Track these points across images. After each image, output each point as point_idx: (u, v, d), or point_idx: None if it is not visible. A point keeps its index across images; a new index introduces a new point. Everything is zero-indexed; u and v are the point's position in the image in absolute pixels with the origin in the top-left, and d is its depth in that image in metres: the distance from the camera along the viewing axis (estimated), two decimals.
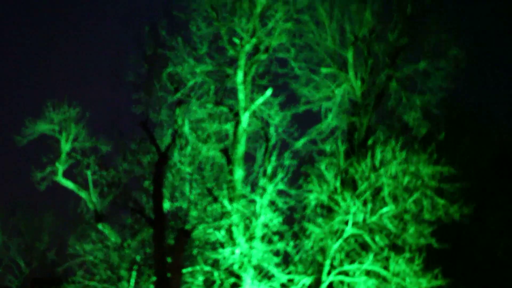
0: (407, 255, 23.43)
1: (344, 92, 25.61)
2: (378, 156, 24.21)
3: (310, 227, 24.06)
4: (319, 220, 24.25)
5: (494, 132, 26.67)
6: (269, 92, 24.71)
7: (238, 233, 23.74)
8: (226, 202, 23.91)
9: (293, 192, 24.47)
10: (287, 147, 25.10)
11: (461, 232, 25.37)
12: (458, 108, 26.77)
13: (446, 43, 25.40)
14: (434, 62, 25.53)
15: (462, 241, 25.95)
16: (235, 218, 23.74)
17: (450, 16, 25.63)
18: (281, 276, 23.48)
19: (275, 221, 23.79)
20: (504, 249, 26.26)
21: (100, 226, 25.07)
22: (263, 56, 24.78)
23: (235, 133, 24.85)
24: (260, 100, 24.71)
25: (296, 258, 24.05)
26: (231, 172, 24.54)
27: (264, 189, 24.06)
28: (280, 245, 23.73)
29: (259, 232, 23.83)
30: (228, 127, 25.03)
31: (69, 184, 25.26)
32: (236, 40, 24.53)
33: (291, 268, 23.84)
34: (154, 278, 23.69)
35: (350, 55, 25.32)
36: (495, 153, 26.60)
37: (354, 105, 25.88)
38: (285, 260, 24.04)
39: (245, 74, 24.67)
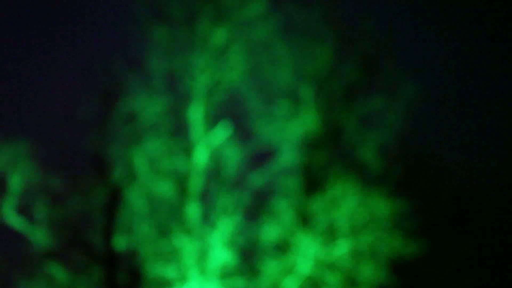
0: None
1: (300, 128, 25.43)
2: (334, 192, 24.09)
3: (265, 264, 23.82)
4: (274, 257, 24.01)
5: (451, 171, 26.74)
6: (224, 127, 24.48)
7: (190, 270, 23.36)
8: (179, 239, 23.53)
9: (248, 229, 24.20)
10: (242, 183, 24.81)
11: (417, 269, 25.27)
12: (414, 147, 26.80)
13: (402, 78, 25.49)
14: (390, 100, 25.54)
15: (418, 278, 25.84)
16: (187, 255, 23.35)
17: (408, 55, 25.77)
18: None
19: (229, 258, 23.48)
20: (464, 282, 26.23)
21: (48, 265, 24.55)
22: (219, 91, 24.60)
23: (189, 169, 24.54)
24: (216, 135, 24.49)
25: None
26: (185, 209, 24.19)
27: (218, 226, 23.75)
28: (233, 283, 23.42)
29: (212, 269, 23.48)
30: (183, 162, 24.68)
31: (16, 221, 24.72)
32: (192, 75, 24.38)
33: None
34: None
35: (306, 91, 25.22)
36: (452, 193, 26.68)
37: (309, 141, 25.71)
38: None
39: (201, 109, 24.48)
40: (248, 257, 24.44)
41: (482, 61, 25.92)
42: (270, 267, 23.85)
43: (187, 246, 23.45)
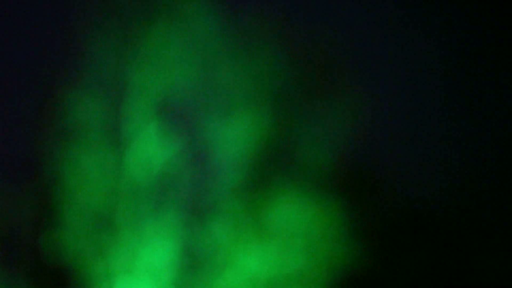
0: None
1: (244, 130, 24.44)
2: (280, 200, 23.02)
3: (202, 280, 22.45)
4: (213, 273, 22.62)
5: (403, 181, 25.75)
6: (159, 125, 23.41)
7: (119, 268, 21.93)
8: (109, 237, 22.20)
9: (190, 230, 22.81)
10: (179, 184, 23.49)
11: (370, 281, 23.95)
12: (364, 154, 25.84)
13: (352, 86, 24.79)
14: (340, 105, 24.77)
15: None
16: (117, 253, 22.00)
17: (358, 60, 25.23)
18: None
19: (160, 257, 22.06)
20: None
21: None
22: (158, 88, 23.62)
23: (124, 167, 23.33)
24: (150, 133, 23.36)
25: None
26: (117, 207, 22.84)
27: (150, 224, 22.40)
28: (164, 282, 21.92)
29: (142, 267, 22.03)
30: (116, 160, 23.46)
31: None
32: (129, 72, 23.47)
33: None
34: None
35: (251, 91, 24.34)
36: (403, 201, 25.64)
37: (255, 151, 24.67)
38: None
39: (137, 106, 23.46)
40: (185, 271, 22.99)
41: (427, 62, 25.39)
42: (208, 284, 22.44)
43: (116, 245, 22.09)
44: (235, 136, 24.03)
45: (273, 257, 22.37)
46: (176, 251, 22.39)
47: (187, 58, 23.70)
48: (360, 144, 25.00)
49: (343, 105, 24.49)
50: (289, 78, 24.64)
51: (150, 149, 23.47)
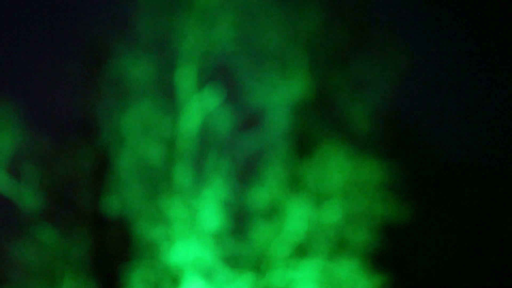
0: (355, 258, 23.19)
1: (290, 92, 25.20)
2: (325, 157, 23.96)
3: (254, 228, 23.75)
4: (263, 222, 23.93)
5: (443, 136, 26.70)
6: (213, 90, 24.27)
7: (179, 231, 23.32)
8: (167, 200, 23.47)
9: (238, 192, 24.08)
10: (232, 147, 24.64)
11: (408, 235, 25.26)
12: (406, 111, 26.69)
13: (394, 46, 25.30)
14: (382, 64, 25.36)
15: (409, 244, 25.84)
16: (178, 215, 23.31)
17: (400, 19, 25.58)
18: (222, 276, 23.09)
19: (218, 220, 23.42)
20: (450, 252, 26.27)
21: (35, 224, 24.45)
22: (208, 51, 24.34)
23: (178, 132, 24.38)
24: (205, 98, 24.27)
25: (240, 259, 23.69)
26: (173, 170, 24.07)
27: (206, 188, 23.65)
28: (222, 245, 23.36)
29: (201, 231, 23.41)
30: (172, 125, 24.48)
31: (4, 184, 24.60)
32: (181, 35, 24.13)
33: (234, 268, 23.44)
34: (91, 278, 23.20)
35: (297, 55, 24.98)
36: (443, 158, 26.68)
37: (301, 105, 25.50)
38: (228, 260, 23.65)
39: (189, 72, 24.26)
40: (238, 221, 24.38)
41: (478, 28, 25.75)
42: (260, 231, 23.79)
43: (176, 209, 23.39)
44: (281, 99, 24.96)
45: (311, 212, 23.46)
46: (227, 214, 23.70)
47: (236, 22, 24.28)
48: (398, 100, 25.85)
49: (381, 61, 25.21)
50: (329, 36, 25.26)
51: (202, 114, 24.49)
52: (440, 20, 25.62)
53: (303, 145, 25.17)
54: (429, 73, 25.57)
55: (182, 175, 23.93)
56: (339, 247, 23.61)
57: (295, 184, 24.42)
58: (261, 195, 24.11)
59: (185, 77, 24.14)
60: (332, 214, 23.51)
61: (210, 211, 23.37)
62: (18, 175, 24.69)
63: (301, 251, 23.71)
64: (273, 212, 24.24)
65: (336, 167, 23.85)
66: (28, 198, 24.60)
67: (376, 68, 25.24)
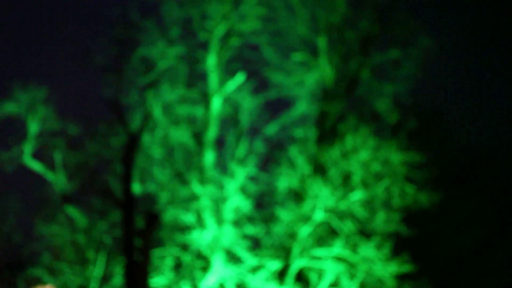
0: (376, 241, 23.74)
1: (315, 79, 25.68)
2: (348, 142, 24.39)
3: (280, 212, 24.21)
4: (289, 205, 24.40)
5: (463, 124, 27.03)
6: (240, 77, 24.72)
7: (208, 217, 23.75)
8: (196, 186, 23.89)
9: (263, 177, 24.57)
10: (257, 133, 25.20)
11: (428, 219, 25.68)
12: (428, 98, 27.06)
13: (417, 31, 25.60)
14: (405, 51, 25.70)
15: (429, 228, 26.27)
16: (205, 201, 23.74)
17: (422, 6, 25.86)
18: (250, 261, 23.55)
19: (245, 205, 23.84)
20: (470, 237, 26.63)
21: (67, 208, 24.95)
22: (235, 41, 24.77)
23: (206, 117, 24.83)
24: (232, 84, 24.71)
25: (265, 242, 24.18)
26: (201, 156, 24.54)
27: (234, 174, 24.10)
28: (249, 230, 23.84)
29: (228, 216, 23.88)
30: (199, 111, 24.98)
31: (36, 166, 25.06)
32: (208, 24, 24.54)
33: (260, 252, 23.94)
34: (122, 261, 23.62)
35: (322, 42, 25.43)
36: (462, 143, 26.96)
37: (325, 92, 25.97)
38: (254, 245, 24.15)
39: (217, 59, 24.67)
40: (263, 205, 24.85)
41: (498, 14, 25.94)
42: (285, 215, 24.18)
43: (203, 193, 23.81)
44: (306, 88, 25.45)
45: (335, 196, 23.83)
46: (254, 199, 24.16)
47: (263, 12, 24.71)
48: (421, 89, 26.25)
49: (405, 51, 25.58)
50: (353, 26, 25.63)
51: (229, 102, 24.97)
52: (465, 10, 25.81)
53: (327, 132, 25.65)
54: (452, 62, 25.78)
55: (211, 161, 24.42)
56: (362, 229, 24.02)
57: (318, 169, 24.89)
58: (285, 179, 24.58)
59: (213, 63, 24.56)
60: (354, 198, 23.90)
61: (238, 197, 23.80)
62: (50, 159, 25.19)
63: (326, 233, 24.12)
64: (298, 196, 24.72)
65: (360, 154, 24.24)
66: (61, 181, 25.06)
67: (399, 54, 25.60)
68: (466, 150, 26.62)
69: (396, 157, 24.27)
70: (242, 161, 24.57)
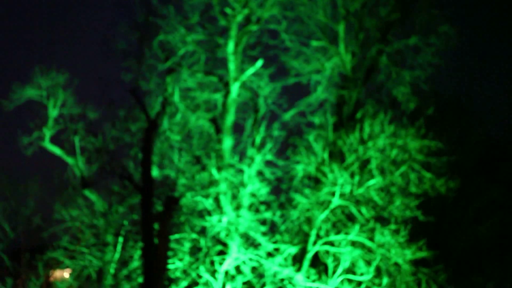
0: (393, 227, 23.79)
1: (334, 65, 25.73)
2: (366, 129, 24.46)
3: (297, 197, 24.28)
4: (306, 191, 24.49)
5: (481, 111, 27.02)
6: (259, 63, 24.80)
7: (225, 201, 23.88)
8: (214, 171, 24.02)
9: (281, 163, 24.67)
10: (275, 118, 25.36)
11: (446, 206, 25.66)
12: (447, 86, 27.00)
13: (437, 19, 25.56)
14: (424, 38, 25.69)
15: (446, 214, 26.25)
16: (222, 186, 23.86)
17: None
18: (267, 245, 23.63)
19: (263, 191, 23.93)
20: (488, 225, 26.60)
21: (86, 192, 25.18)
22: (254, 27, 24.83)
23: (224, 103, 24.95)
24: (250, 71, 24.80)
25: (283, 228, 24.27)
26: (219, 142, 24.67)
27: (252, 159, 24.20)
28: (267, 215, 23.90)
29: (246, 201, 23.97)
30: (218, 96, 25.11)
31: (56, 150, 25.31)
32: (228, 10, 24.61)
33: (278, 237, 24.03)
34: (141, 244, 23.80)
35: (341, 29, 25.46)
36: (480, 130, 26.90)
37: (343, 78, 26.02)
38: (272, 230, 24.23)
39: (236, 45, 24.73)
40: (281, 190, 24.94)
41: None
42: (302, 200, 24.24)
43: (221, 178, 23.92)
44: (325, 74, 25.50)
45: (352, 181, 23.83)
46: (272, 184, 24.24)
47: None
48: (445, 77, 26.20)
49: (429, 39, 25.54)
50: (374, 14, 25.61)
51: (248, 88, 25.06)
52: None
53: (345, 118, 25.69)
54: (473, 51, 25.70)
55: (229, 146, 24.53)
56: (379, 214, 24.05)
57: (336, 155, 24.95)
58: (303, 164, 24.65)
59: (233, 51, 24.62)
60: (372, 184, 23.93)
61: (256, 182, 23.89)
62: (70, 143, 25.42)
63: (343, 219, 24.17)
64: (315, 182, 24.78)
65: (378, 140, 24.26)
66: (80, 166, 25.29)
67: (419, 42, 25.57)
68: (486, 137, 26.53)
69: (413, 143, 24.29)
70: (259, 147, 24.70)
